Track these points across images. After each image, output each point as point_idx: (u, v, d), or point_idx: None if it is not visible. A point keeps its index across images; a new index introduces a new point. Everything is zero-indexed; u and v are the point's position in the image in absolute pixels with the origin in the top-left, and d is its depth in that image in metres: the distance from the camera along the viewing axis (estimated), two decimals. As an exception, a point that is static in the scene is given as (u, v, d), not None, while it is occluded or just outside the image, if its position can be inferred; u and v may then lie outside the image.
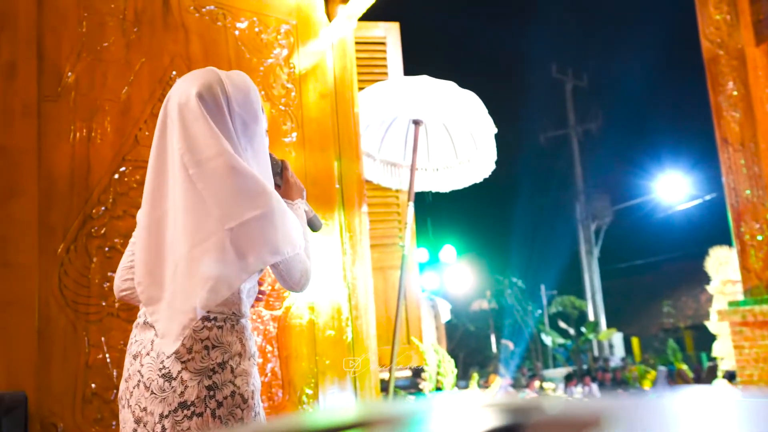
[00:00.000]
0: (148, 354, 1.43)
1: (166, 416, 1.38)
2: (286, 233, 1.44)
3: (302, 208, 1.67)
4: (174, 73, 2.82)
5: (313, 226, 1.74)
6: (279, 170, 1.66)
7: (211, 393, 1.39)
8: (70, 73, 2.60)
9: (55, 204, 2.48)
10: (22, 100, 2.51)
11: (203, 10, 2.99)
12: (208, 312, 1.44)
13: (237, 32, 3.08)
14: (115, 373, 2.48)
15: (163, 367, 1.40)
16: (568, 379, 12.91)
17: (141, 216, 1.49)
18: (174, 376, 1.39)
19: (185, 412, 1.37)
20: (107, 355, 2.49)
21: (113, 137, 2.63)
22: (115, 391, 2.46)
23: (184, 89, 1.47)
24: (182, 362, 1.40)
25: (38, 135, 2.50)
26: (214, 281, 1.38)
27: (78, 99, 2.59)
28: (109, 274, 2.53)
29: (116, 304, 2.51)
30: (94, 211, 2.54)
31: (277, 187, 1.64)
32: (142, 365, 1.42)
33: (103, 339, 2.49)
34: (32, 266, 2.41)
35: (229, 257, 1.39)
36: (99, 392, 2.45)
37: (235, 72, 1.56)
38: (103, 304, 2.49)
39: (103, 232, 2.54)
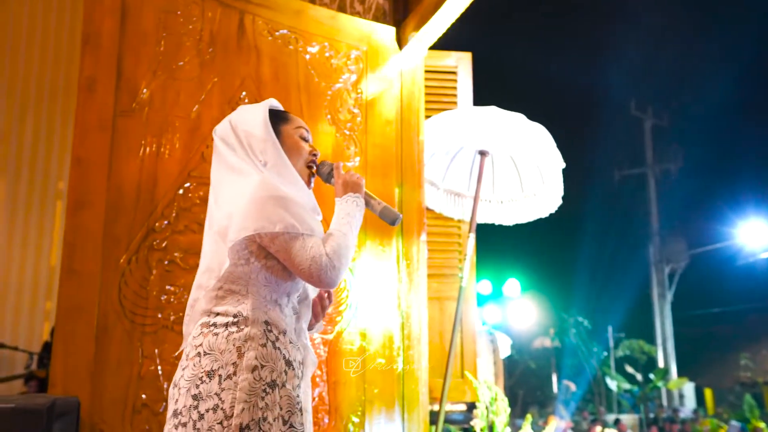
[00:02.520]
0: None
1: (167, 422, 1.40)
2: (264, 212, 1.45)
3: (354, 202, 1.64)
4: (244, 93, 2.88)
5: (386, 218, 1.70)
6: (329, 171, 1.70)
7: (195, 403, 1.34)
8: (145, 90, 2.69)
9: (121, 215, 2.56)
10: (98, 114, 2.62)
11: (276, 33, 3.06)
12: (209, 316, 1.44)
13: (308, 56, 3.12)
14: (165, 386, 2.51)
15: (177, 375, 1.43)
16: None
17: None
18: (176, 383, 1.40)
19: (174, 420, 1.37)
20: (159, 368, 2.52)
21: (181, 153, 2.70)
22: (164, 403, 2.49)
23: None
24: (182, 369, 1.41)
25: (111, 148, 2.60)
26: (204, 275, 1.52)
27: (150, 115, 2.68)
28: (167, 287, 2.58)
29: (171, 317, 2.55)
30: (157, 224, 2.60)
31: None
32: None
33: (156, 351, 2.52)
34: (95, 275, 2.48)
35: (212, 253, 1.53)
36: (149, 404, 2.49)
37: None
38: (159, 316, 2.54)
39: (164, 245, 2.60)
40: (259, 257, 1.46)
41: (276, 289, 1.48)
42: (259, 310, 1.43)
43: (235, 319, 1.41)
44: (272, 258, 1.47)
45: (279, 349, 1.43)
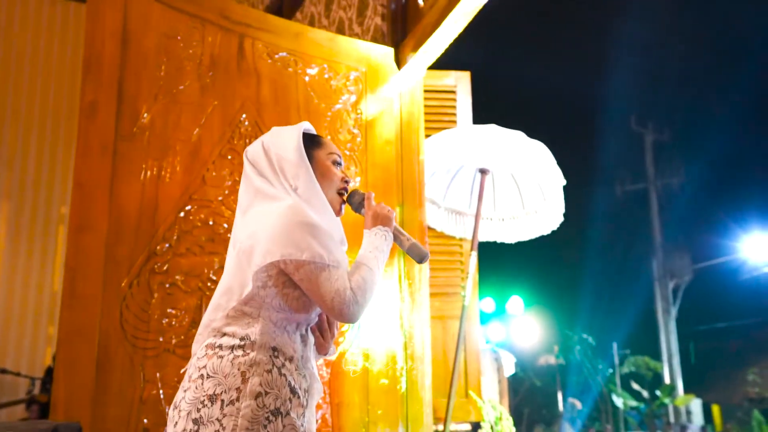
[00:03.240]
0: None
1: None
2: (292, 238, 1.42)
3: (383, 236, 1.61)
4: (244, 116, 2.90)
5: (413, 255, 1.66)
6: (360, 201, 1.68)
7: (195, 428, 1.32)
8: (146, 114, 2.71)
9: (123, 239, 2.56)
10: (100, 139, 2.63)
11: (276, 56, 3.08)
12: (216, 336, 1.42)
13: (307, 78, 3.15)
14: (167, 410, 2.49)
15: (178, 397, 1.42)
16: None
17: None
18: (177, 405, 1.39)
19: None
20: (161, 392, 2.51)
21: (182, 177, 2.71)
22: (165, 427, 2.47)
23: None
24: (184, 391, 1.39)
25: (112, 172, 2.61)
26: (224, 296, 1.49)
27: (151, 139, 2.70)
28: (169, 310, 2.57)
29: (173, 341, 2.54)
30: (158, 247, 2.60)
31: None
32: None
33: (158, 375, 2.51)
34: (96, 298, 2.48)
35: (234, 274, 1.51)
36: (150, 428, 2.47)
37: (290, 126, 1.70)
38: (161, 339, 2.53)
39: (165, 268, 2.60)
40: (276, 283, 1.44)
41: (288, 317, 1.46)
42: (267, 335, 1.41)
43: (242, 343, 1.39)
44: (290, 286, 1.45)
45: (284, 375, 1.40)
